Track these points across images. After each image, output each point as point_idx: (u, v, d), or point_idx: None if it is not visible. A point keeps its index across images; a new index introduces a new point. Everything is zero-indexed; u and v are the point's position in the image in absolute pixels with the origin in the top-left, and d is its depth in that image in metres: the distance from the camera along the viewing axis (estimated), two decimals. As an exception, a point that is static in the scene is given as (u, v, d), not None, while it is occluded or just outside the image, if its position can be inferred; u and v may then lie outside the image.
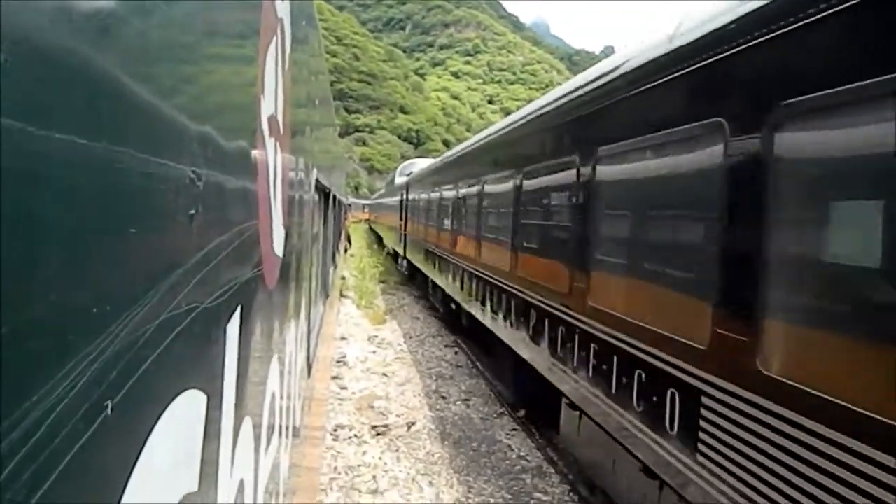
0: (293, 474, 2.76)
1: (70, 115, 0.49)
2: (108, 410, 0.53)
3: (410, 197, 20.65)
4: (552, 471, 7.00)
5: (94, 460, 0.52)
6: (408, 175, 24.97)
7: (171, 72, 0.77)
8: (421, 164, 25.92)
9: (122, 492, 0.58)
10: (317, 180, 4.16)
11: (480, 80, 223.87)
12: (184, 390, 0.78)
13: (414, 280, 22.11)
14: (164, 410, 0.69)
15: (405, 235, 21.89)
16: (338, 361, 11.59)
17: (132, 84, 0.63)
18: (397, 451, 7.60)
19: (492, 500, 6.32)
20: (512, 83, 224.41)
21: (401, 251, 23.83)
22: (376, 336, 14.08)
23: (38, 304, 0.45)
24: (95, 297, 0.52)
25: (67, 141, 0.48)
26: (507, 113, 14.80)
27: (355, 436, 8.06)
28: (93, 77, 0.54)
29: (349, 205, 37.26)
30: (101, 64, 0.55)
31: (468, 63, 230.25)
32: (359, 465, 7.13)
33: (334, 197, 8.57)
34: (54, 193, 0.47)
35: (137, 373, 0.61)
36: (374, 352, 12.67)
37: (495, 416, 8.87)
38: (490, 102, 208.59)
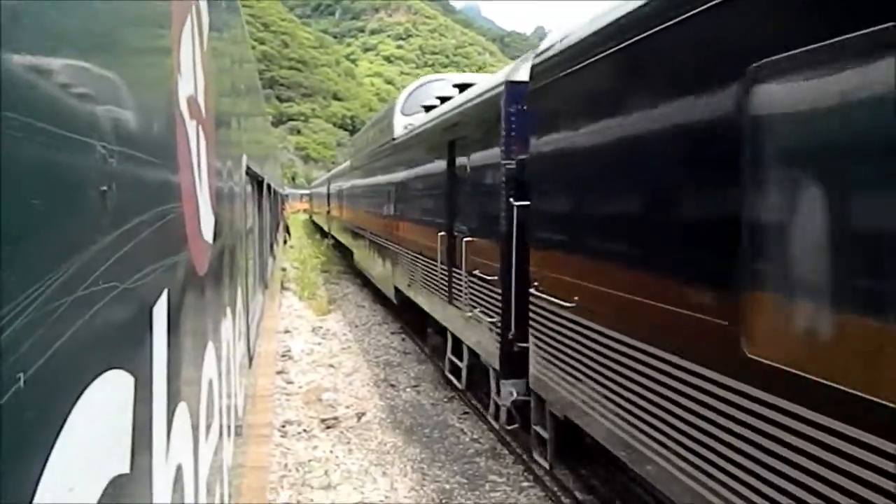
0: (240, 475, 2.72)
1: None
2: (21, 383, 0.52)
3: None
4: (506, 452, 7.11)
5: (9, 433, 0.51)
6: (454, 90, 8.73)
7: (74, 38, 0.75)
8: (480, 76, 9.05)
9: (43, 468, 0.56)
10: (248, 168, 4.06)
11: (413, 65, 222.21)
12: (107, 369, 0.76)
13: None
14: (85, 387, 0.68)
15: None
16: (282, 355, 11.39)
17: (30, 49, 0.60)
18: (348, 443, 7.57)
19: (447, 486, 6.39)
20: (445, 66, 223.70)
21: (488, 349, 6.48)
22: (321, 327, 13.92)
23: None
24: None
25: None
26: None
27: (304, 430, 7.97)
28: None
29: (286, 195, 35.71)
30: None
31: (400, 47, 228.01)
32: (309, 461, 7.06)
33: (269, 186, 8.37)
34: None
35: (53, 347, 0.59)
36: (319, 343, 12.53)
37: (446, 400, 8.95)
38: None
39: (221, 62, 2.67)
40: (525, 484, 6.39)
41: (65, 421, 0.62)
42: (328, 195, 27.76)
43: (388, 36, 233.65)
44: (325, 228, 31.17)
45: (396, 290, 11.64)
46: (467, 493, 6.27)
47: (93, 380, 0.70)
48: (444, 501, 6.13)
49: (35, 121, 0.57)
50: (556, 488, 5.71)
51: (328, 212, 28.22)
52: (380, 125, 13.79)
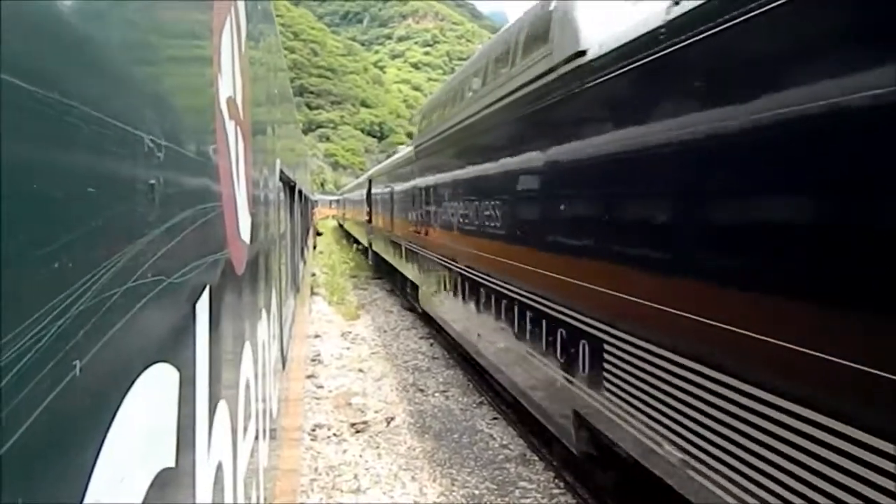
0: (273, 478, 2.73)
1: (18, 59, 0.47)
2: (77, 370, 0.52)
3: None
4: (536, 458, 7.02)
5: (65, 420, 0.51)
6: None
7: (122, 37, 0.75)
8: None
9: (97, 455, 0.56)
10: (281, 171, 4.11)
11: (441, 71, 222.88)
12: (155, 362, 0.76)
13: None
14: (136, 378, 0.68)
15: None
16: (312, 360, 11.49)
17: (82, 43, 0.61)
18: (378, 447, 7.57)
19: (476, 492, 6.33)
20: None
21: None
22: (350, 332, 14.00)
23: None
24: (54, 253, 0.51)
25: (12, 84, 0.46)
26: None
27: (334, 434, 8.00)
28: (45, 31, 0.52)
29: (316, 201, 36.27)
30: (50, 18, 0.53)
31: (427, 54, 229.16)
32: (339, 465, 7.08)
33: (300, 191, 8.48)
34: (9, 143, 0.45)
35: (105, 337, 0.59)
36: (348, 348, 12.60)
37: (475, 405, 8.90)
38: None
39: (258, 70, 2.71)
40: (556, 491, 6.29)
41: (117, 410, 0.62)
42: (368, 199, 20.99)
43: (416, 42, 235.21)
44: (365, 243, 23.74)
45: (579, 419, 4.95)
46: (497, 498, 6.20)
47: (142, 371, 0.71)
48: (473, 507, 6.08)
49: (82, 105, 0.58)
50: (587, 496, 5.64)
51: (368, 221, 21.26)
52: (509, 53, 6.52)
